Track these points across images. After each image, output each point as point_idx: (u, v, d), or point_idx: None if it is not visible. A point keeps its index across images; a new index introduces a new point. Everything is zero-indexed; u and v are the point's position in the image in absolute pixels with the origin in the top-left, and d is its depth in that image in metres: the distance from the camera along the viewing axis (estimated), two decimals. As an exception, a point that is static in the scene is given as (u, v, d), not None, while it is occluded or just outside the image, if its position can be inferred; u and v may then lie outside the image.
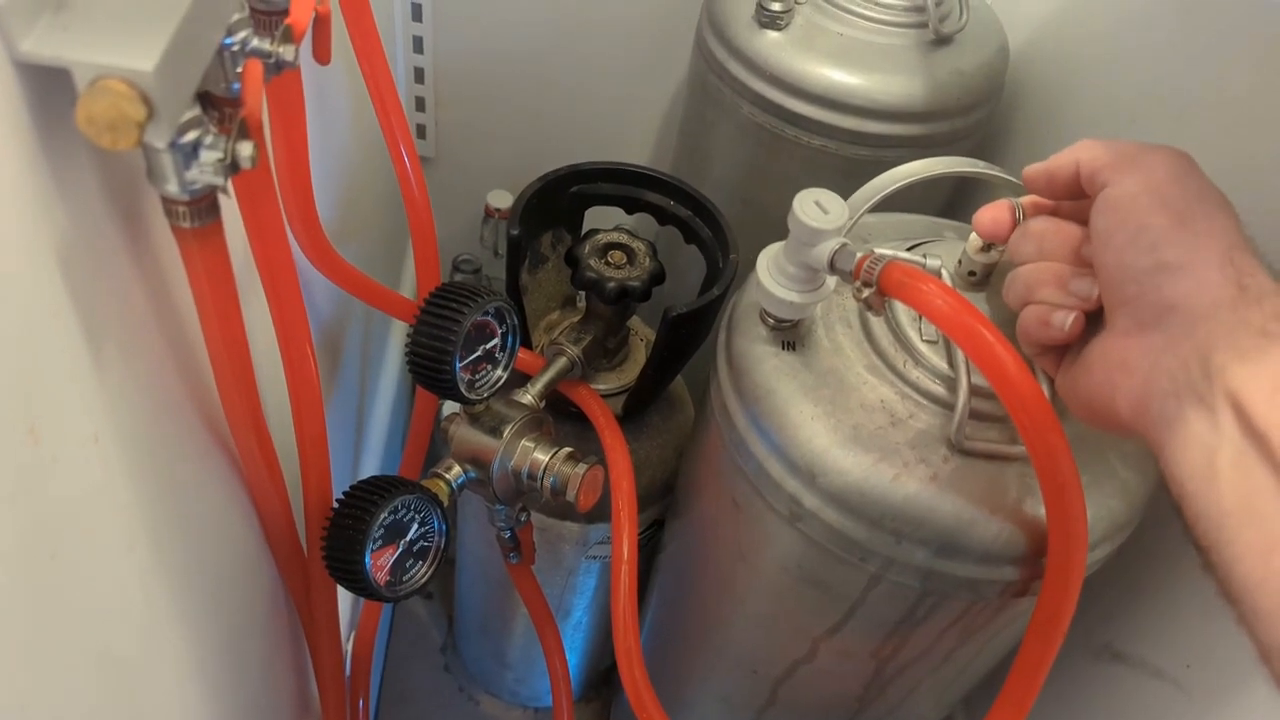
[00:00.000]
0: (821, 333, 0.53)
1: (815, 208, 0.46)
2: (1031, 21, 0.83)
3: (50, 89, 0.26)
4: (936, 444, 0.47)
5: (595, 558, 0.83)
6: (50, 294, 0.28)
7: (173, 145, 0.28)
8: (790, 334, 0.53)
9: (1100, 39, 0.76)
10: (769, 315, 0.53)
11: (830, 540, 0.50)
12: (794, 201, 0.47)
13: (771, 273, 0.51)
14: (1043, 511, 0.44)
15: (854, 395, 0.49)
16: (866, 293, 0.44)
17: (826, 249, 0.46)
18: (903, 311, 0.51)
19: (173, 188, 0.30)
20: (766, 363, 0.52)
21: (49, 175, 0.27)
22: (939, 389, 0.49)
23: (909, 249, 0.53)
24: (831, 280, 0.51)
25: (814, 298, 0.50)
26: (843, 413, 0.49)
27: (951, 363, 0.48)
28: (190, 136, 0.29)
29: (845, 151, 0.76)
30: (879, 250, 0.45)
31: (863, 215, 0.51)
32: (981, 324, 0.40)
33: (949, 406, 0.48)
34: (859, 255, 0.45)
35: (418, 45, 1.04)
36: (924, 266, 0.48)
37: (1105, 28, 0.76)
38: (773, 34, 0.75)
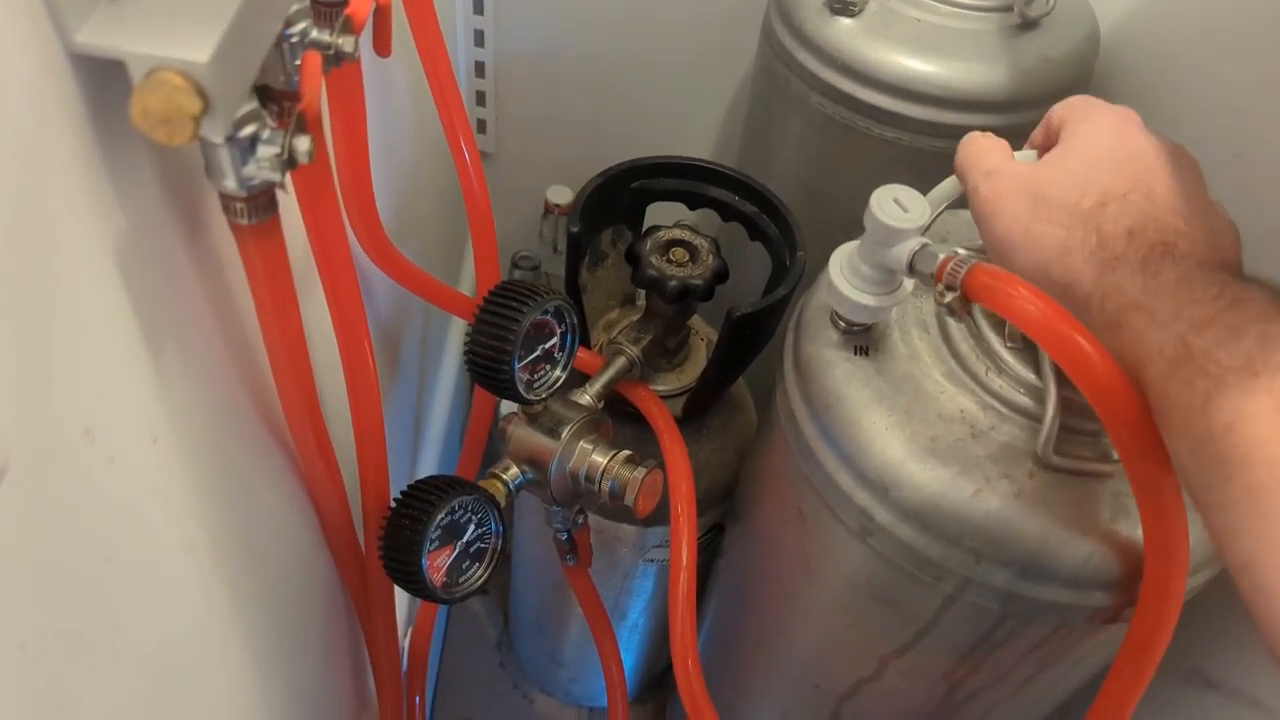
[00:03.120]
0: (897, 337, 0.50)
1: (894, 205, 0.44)
2: (1123, 3, 0.78)
3: (106, 82, 0.26)
4: (1021, 458, 0.44)
5: (652, 561, 0.81)
6: (107, 292, 0.27)
7: (230, 140, 0.27)
8: (863, 338, 0.50)
9: (1197, 21, 0.71)
10: (841, 318, 0.50)
11: (903, 557, 0.47)
12: (871, 199, 0.44)
13: (845, 274, 0.48)
14: (1138, 533, 0.41)
15: (931, 404, 0.47)
16: (950, 297, 0.41)
17: (906, 249, 0.43)
18: (984, 316, 0.48)
19: (230, 183, 0.29)
20: (837, 368, 0.49)
21: (105, 170, 0.26)
22: (1024, 399, 0.46)
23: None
24: (909, 282, 0.48)
25: (890, 301, 0.48)
26: (919, 423, 0.46)
27: (1039, 371, 0.45)
28: (247, 131, 0.28)
29: (920, 144, 0.72)
30: (962, 250, 0.42)
31: (943, 212, 0.48)
32: (1077, 331, 0.37)
33: (1035, 419, 0.45)
34: (941, 256, 0.42)
35: (479, 39, 1.03)
36: None
37: (1203, 8, 0.71)
38: (845, 21, 0.72)
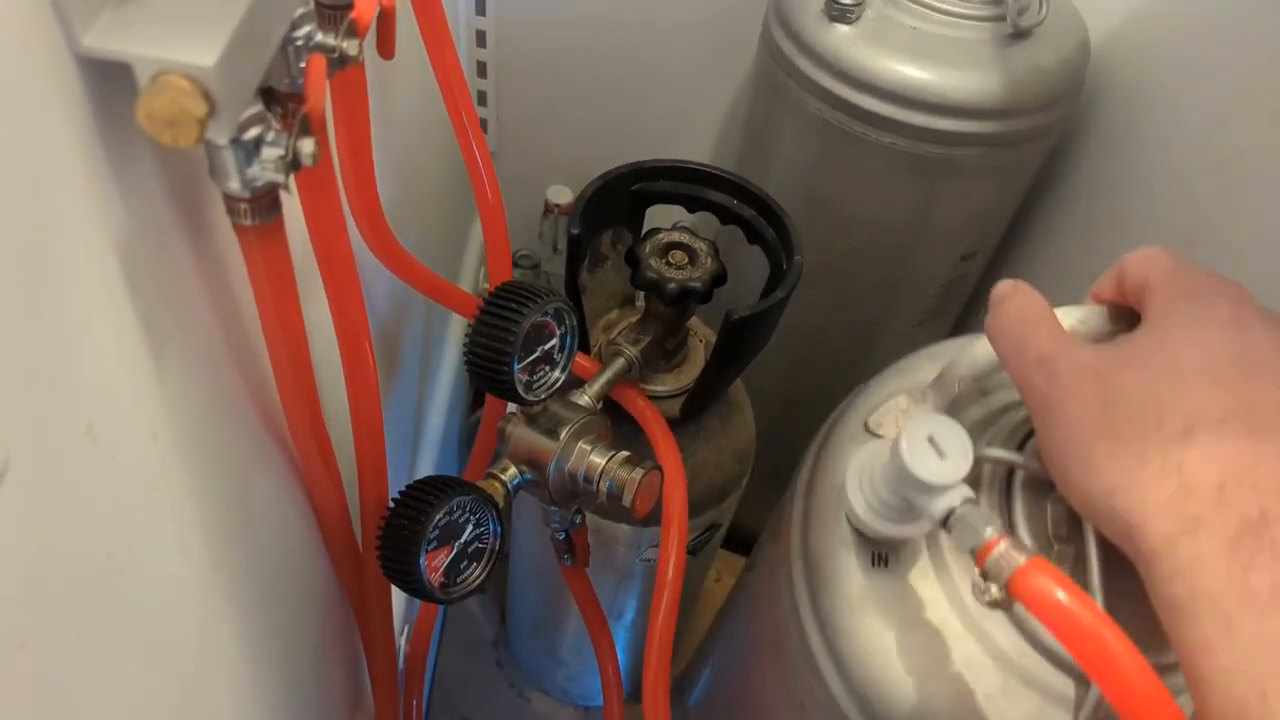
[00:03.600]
0: (922, 541, 0.42)
1: (929, 449, 0.34)
2: (1114, 14, 0.79)
3: (112, 84, 0.26)
4: None
5: (649, 560, 0.81)
6: (109, 291, 0.28)
7: (234, 142, 0.28)
8: (884, 545, 0.43)
9: (1187, 32, 0.72)
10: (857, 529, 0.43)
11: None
12: (902, 436, 0.35)
13: (864, 492, 0.41)
14: None
15: (959, 645, 0.39)
16: (992, 592, 0.33)
17: (940, 506, 0.35)
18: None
19: (234, 185, 0.29)
20: (851, 582, 0.42)
21: (109, 171, 0.27)
22: (1066, 655, 0.38)
23: (1026, 439, 0.42)
24: None
25: (916, 530, 0.40)
26: (943, 672, 0.39)
27: None
28: (252, 133, 0.28)
29: (916, 149, 0.73)
30: (1012, 541, 0.33)
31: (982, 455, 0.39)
32: (1150, 687, 0.30)
33: (1072, 671, 0.38)
34: (987, 534, 0.33)
35: (480, 39, 1.03)
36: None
37: (1194, 20, 0.71)
38: (843, 28, 0.72)
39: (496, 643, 1.15)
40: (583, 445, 0.58)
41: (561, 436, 0.57)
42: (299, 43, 0.31)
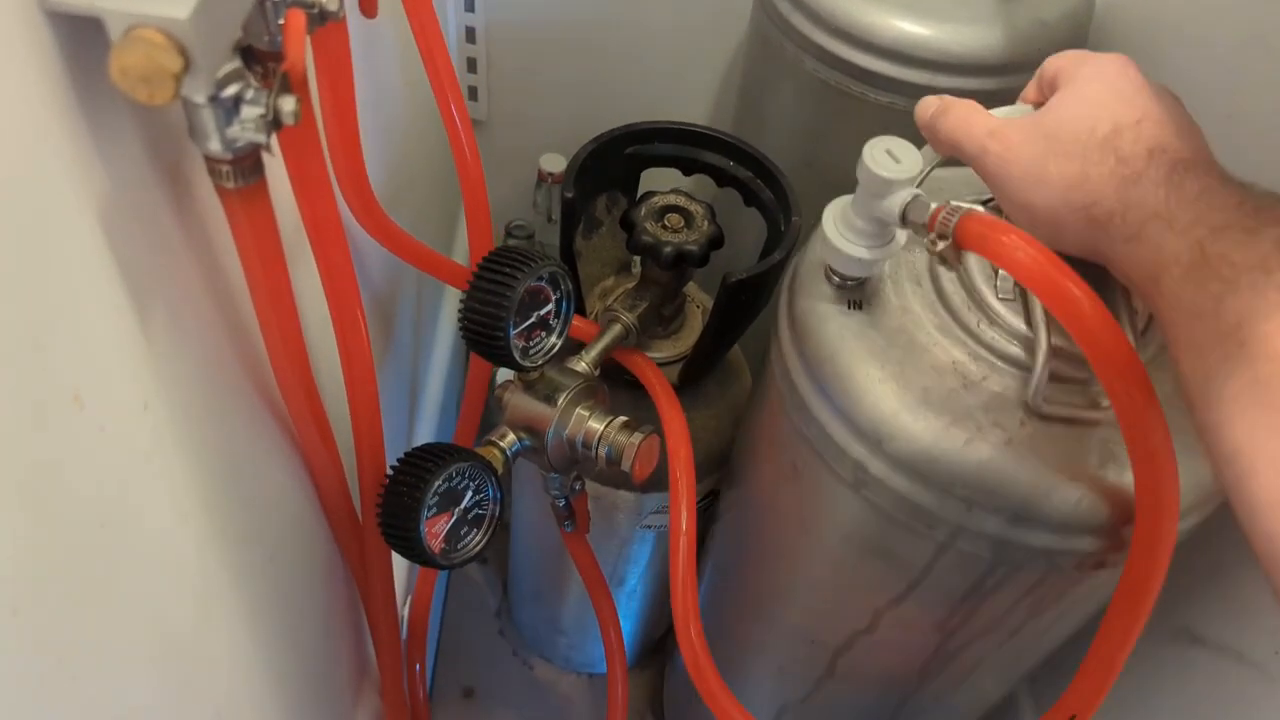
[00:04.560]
0: (890, 291, 0.50)
1: (886, 156, 0.44)
2: (1119, -35, 0.77)
3: (85, 40, 0.25)
4: (1012, 408, 0.45)
5: (650, 527, 0.82)
6: (92, 256, 0.27)
7: (213, 100, 0.27)
8: (857, 293, 0.50)
9: (1194, -17, 0.71)
10: (835, 273, 0.50)
11: (896, 508, 0.48)
12: (864, 150, 0.44)
13: (839, 227, 0.48)
14: (1127, 479, 0.41)
15: (924, 356, 0.47)
16: (942, 245, 0.41)
17: (898, 200, 0.44)
18: (977, 269, 0.48)
19: (215, 145, 0.29)
20: (832, 322, 0.50)
21: (87, 132, 0.26)
22: (1015, 350, 0.46)
23: (985, 202, 0.50)
24: (902, 235, 0.48)
25: (883, 254, 0.48)
26: (912, 375, 0.46)
27: (1030, 321, 0.46)
28: (231, 91, 0.28)
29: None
30: (955, 202, 0.42)
31: (936, 167, 0.48)
32: (1069, 279, 0.37)
33: (1025, 368, 0.45)
34: (934, 206, 0.42)
35: (469, 4, 1.02)
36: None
37: (1197, -29, 0.70)
38: (838, -17, 0.71)
39: (499, 612, 1.16)
40: (581, 411, 0.57)
41: (559, 403, 0.56)
42: (277, -1, 0.31)
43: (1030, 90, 0.48)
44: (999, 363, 0.46)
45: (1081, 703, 0.46)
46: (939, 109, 0.46)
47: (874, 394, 0.47)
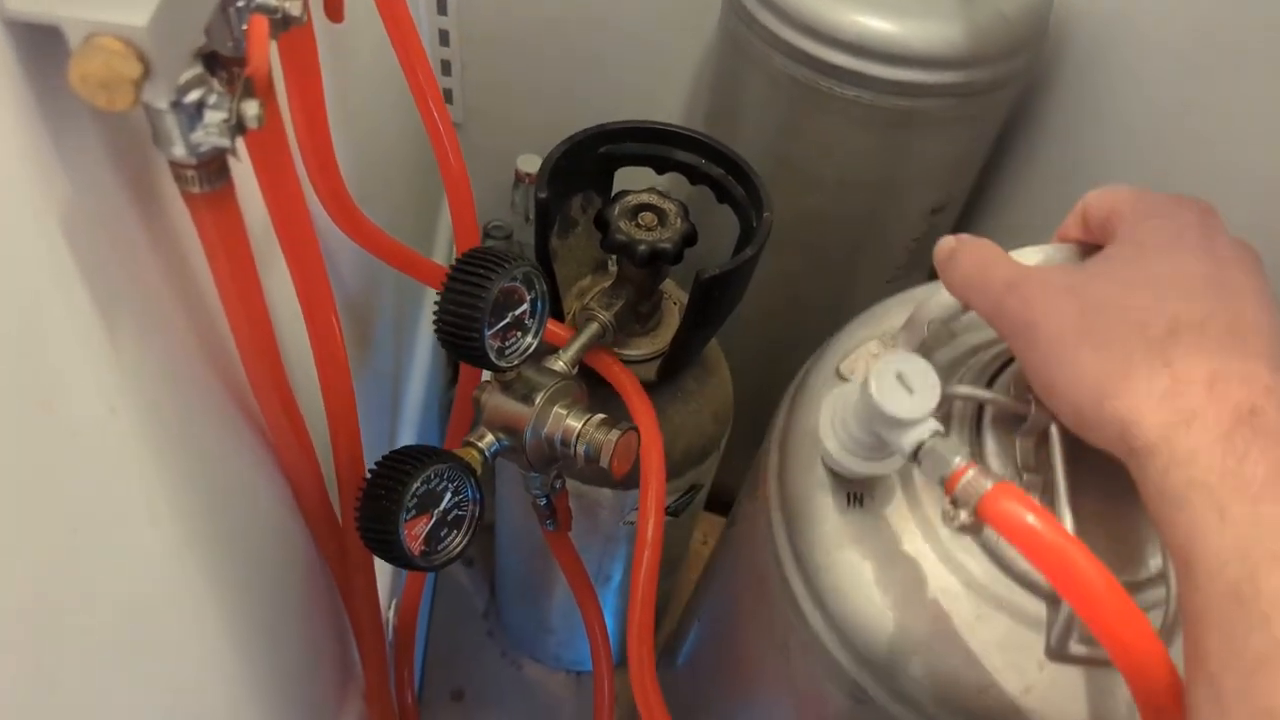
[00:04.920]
0: (896, 483, 0.43)
1: (897, 386, 0.36)
2: (1079, -41, 0.78)
3: (46, 48, 0.25)
4: (1031, 647, 0.39)
5: (632, 524, 0.82)
6: (55, 262, 0.27)
7: (175, 105, 0.27)
8: (858, 485, 0.44)
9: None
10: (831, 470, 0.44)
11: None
12: (871, 375, 0.36)
13: (837, 432, 0.42)
14: None
15: (933, 577, 0.41)
16: (961, 517, 0.34)
17: (910, 440, 0.36)
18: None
19: (179, 150, 0.29)
20: (827, 522, 0.44)
21: (48, 139, 0.26)
22: (1038, 577, 0.40)
23: (994, 378, 0.43)
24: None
25: (888, 467, 0.42)
26: (919, 602, 0.40)
27: None
28: (193, 96, 0.28)
29: (882, 103, 0.72)
30: (980, 470, 0.35)
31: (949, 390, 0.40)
32: (1117, 603, 0.31)
33: (1042, 593, 0.40)
34: (955, 463, 0.34)
35: (441, 6, 1.02)
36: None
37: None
38: (805, -19, 0.72)
39: (487, 614, 1.16)
40: (558, 410, 0.58)
41: (536, 402, 0.57)
42: (240, 3, 0.31)
43: (1071, 227, 0.39)
44: (1016, 586, 0.40)
45: None
46: (951, 250, 0.38)
47: (875, 624, 0.41)
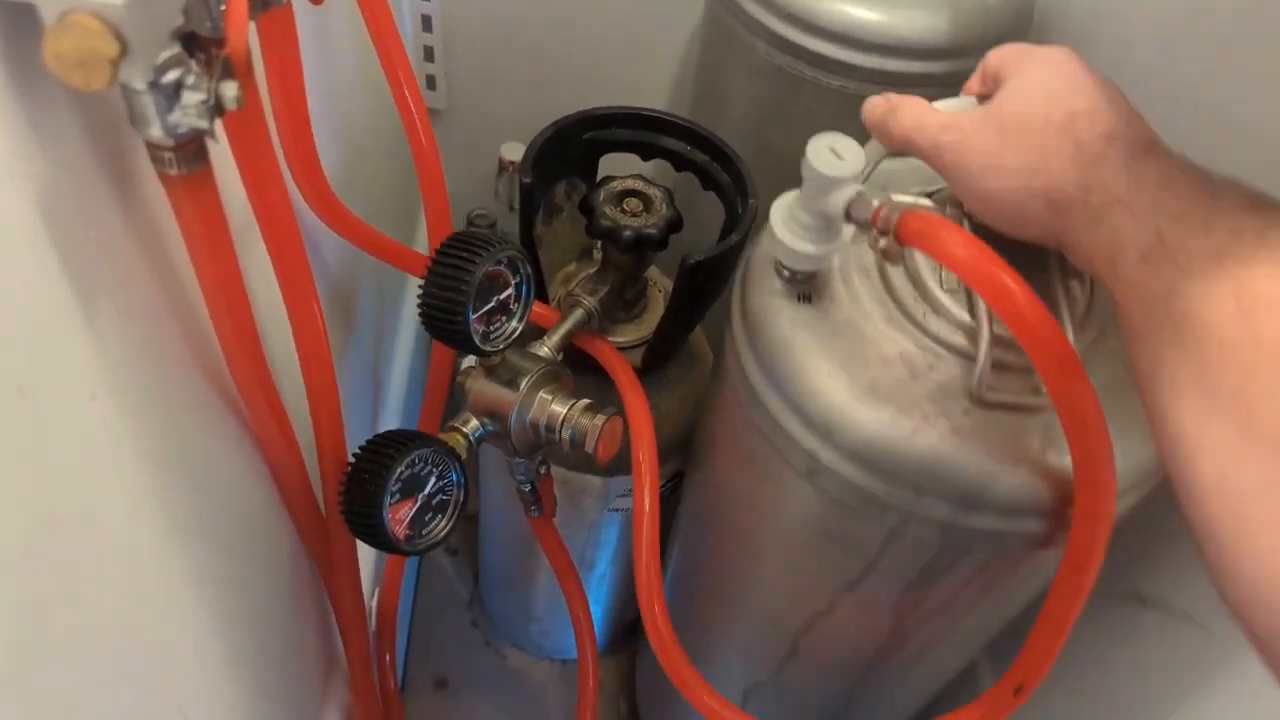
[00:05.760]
0: (839, 284, 0.51)
1: (830, 154, 0.44)
2: (1062, -51, 0.78)
3: (19, 27, 0.25)
4: (957, 396, 0.46)
5: (617, 510, 0.82)
6: (30, 244, 0.27)
7: (152, 85, 0.27)
8: (806, 286, 0.51)
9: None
10: (784, 267, 0.51)
11: (848, 495, 0.49)
12: (807, 148, 0.44)
13: (786, 223, 0.49)
14: (1067, 462, 0.42)
15: (872, 348, 0.48)
16: (884, 242, 0.42)
17: (842, 197, 0.44)
18: (923, 261, 0.49)
19: (156, 132, 0.28)
20: (782, 316, 0.50)
21: (24, 120, 0.26)
22: (960, 340, 0.47)
23: (930, 194, 0.51)
24: (849, 230, 0.49)
25: (830, 249, 0.48)
26: (860, 367, 0.47)
27: (973, 312, 0.46)
28: (171, 76, 0.27)
29: (866, 92, 0.71)
30: (896, 198, 0.43)
31: (882, 161, 0.49)
32: (1003, 271, 0.38)
33: (970, 358, 0.46)
34: (876, 203, 0.42)
35: (426, -7, 1.01)
36: (944, 214, 0.46)
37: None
38: (790, -33, 0.72)
39: (471, 602, 1.16)
40: (543, 395, 0.58)
41: (521, 387, 0.57)
42: (219, -16, 0.30)
43: (974, 83, 0.48)
44: (944, 353, 0.47)
45: (1029, 673, 0.47)
46: (888, 108, 0.46)
47: (824, 387, 0.47)
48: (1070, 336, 0.44)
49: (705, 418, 0.68)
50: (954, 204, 0.48)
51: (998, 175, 0.40)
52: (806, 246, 0.48)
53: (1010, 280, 0.38)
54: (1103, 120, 0.39)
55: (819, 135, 0.45)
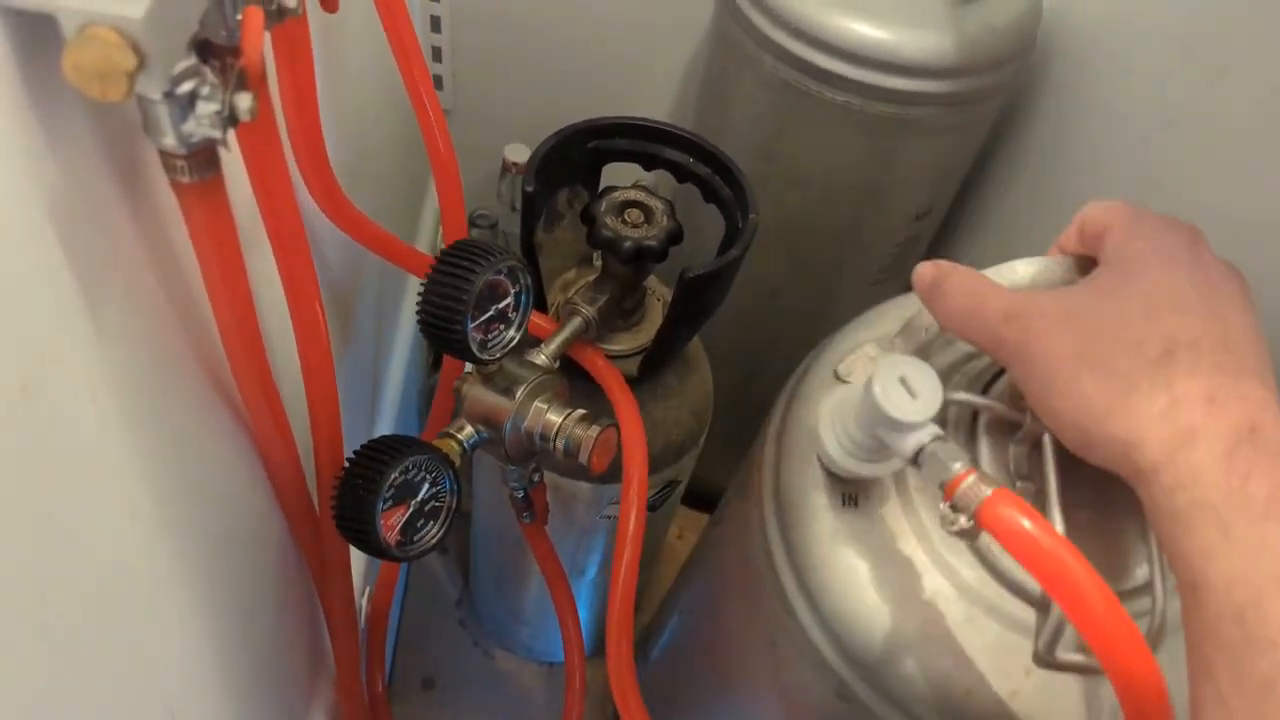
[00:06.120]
0: (890, 481, 0.44)
1: (900, 390, 0.36)
2: (1068, -26, 0.79)
3: (39, 37, 0.25)
4: (1019, 652, 0.39)
5: (609, 517, 0.82)
6: (42, 249, 0.27)
7: (167, 96, 0.27)
8: (853, 485, 0.44)
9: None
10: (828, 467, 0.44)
11: (882, 726, 0.44)
12: (873, 377, 0.37)
13: (836, 433, 0.42)
14: None
15: (926, 579, 0.41)
16: (959, 522, 0.34)
17: (912, 443, 0.36)
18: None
19: (169, 141, 0.29)
20: (822, 521, 0.44)
21: (39, 127, 0.26)
22: (1026, 577, 0.41)
23: (990, 382, 0.43)
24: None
25: (886, 469, 0.42)
26: (910, 603, 0.41)
27: None
28: (186, 87, 0.28)
29: (870, 109, 0.73)
30: (983, 469, 0.35)
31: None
32: (1115, 619, 0.32)
33: (1032, 600, 0.40)
34: (955, 468, 0.34)
35: (434, -6, 1.01)
36: (1013, 411, 0.39)
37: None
38: (798, -17, 0.72)
39: (460, 603, 1.16)
40: (539, 404, 0.58)
41: (517, 395, 0.57)
42: (235, -6, 0.31)
43: (1069, 239, 0.40)
44: (1006, 592, 0.41)
45: None
46: (934, 280, 0.38)
47: (866, 623, 0.41)
48: (1159, 598, 0.38)
49: (718, 546, 0.60)
50: (1019, 399, 0.41)
51: (1069, 398, 0.33)
52: (858, 466, 0.41)
53: (1112, 624, 0.31)
54: (1206, 366, 0.31)
55: (887, 360, 0.37)
